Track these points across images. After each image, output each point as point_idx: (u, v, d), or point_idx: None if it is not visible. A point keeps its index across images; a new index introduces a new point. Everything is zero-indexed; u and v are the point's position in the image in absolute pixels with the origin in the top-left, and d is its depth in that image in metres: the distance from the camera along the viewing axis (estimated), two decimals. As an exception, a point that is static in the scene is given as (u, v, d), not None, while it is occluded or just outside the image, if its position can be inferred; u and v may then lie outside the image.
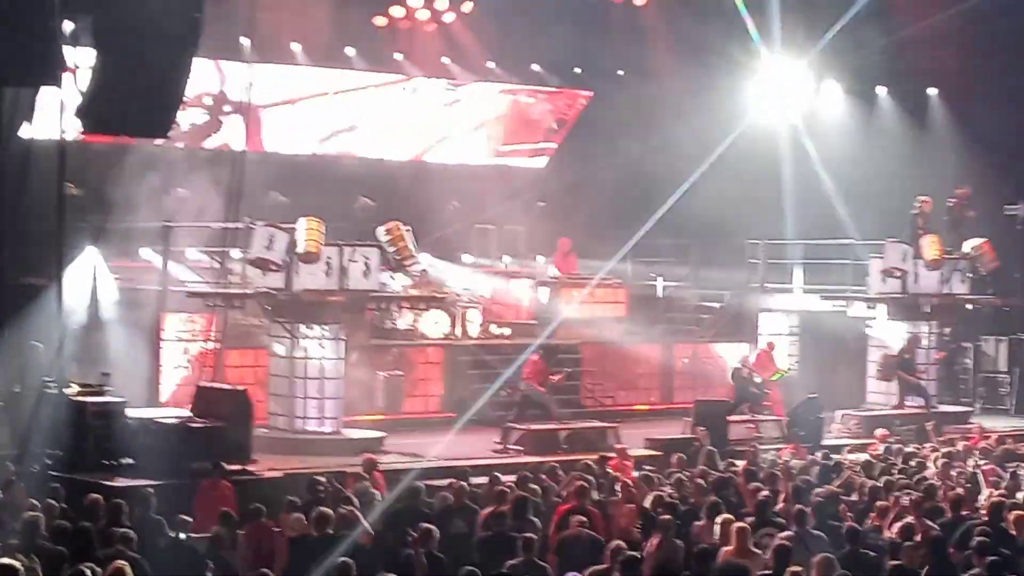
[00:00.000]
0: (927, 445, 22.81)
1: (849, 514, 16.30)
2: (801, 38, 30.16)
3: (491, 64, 32.02)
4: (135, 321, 24.15)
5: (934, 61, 31.14)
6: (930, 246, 27.70)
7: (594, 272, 29.37)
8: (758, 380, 26.35)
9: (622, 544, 13.62)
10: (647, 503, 16.55)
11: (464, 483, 16.95)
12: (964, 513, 16.19)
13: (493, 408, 24.91)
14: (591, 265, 29.88)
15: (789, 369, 28.57)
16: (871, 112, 33.29)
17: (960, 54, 30.52)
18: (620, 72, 32.88)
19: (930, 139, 32.48)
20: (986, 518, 15.78)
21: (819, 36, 29.35)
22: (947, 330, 29.43)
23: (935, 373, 28.55)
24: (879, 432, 24.09)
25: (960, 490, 17.56)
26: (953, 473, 19.51)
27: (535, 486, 17.27)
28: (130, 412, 20.52)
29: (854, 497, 17.42)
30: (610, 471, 18.85)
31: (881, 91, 33.46)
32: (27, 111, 21.35)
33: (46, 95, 21.79)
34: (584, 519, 15.10)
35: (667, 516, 15.00)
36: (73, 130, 20.58)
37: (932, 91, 33.45)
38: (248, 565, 14.57)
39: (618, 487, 17.33)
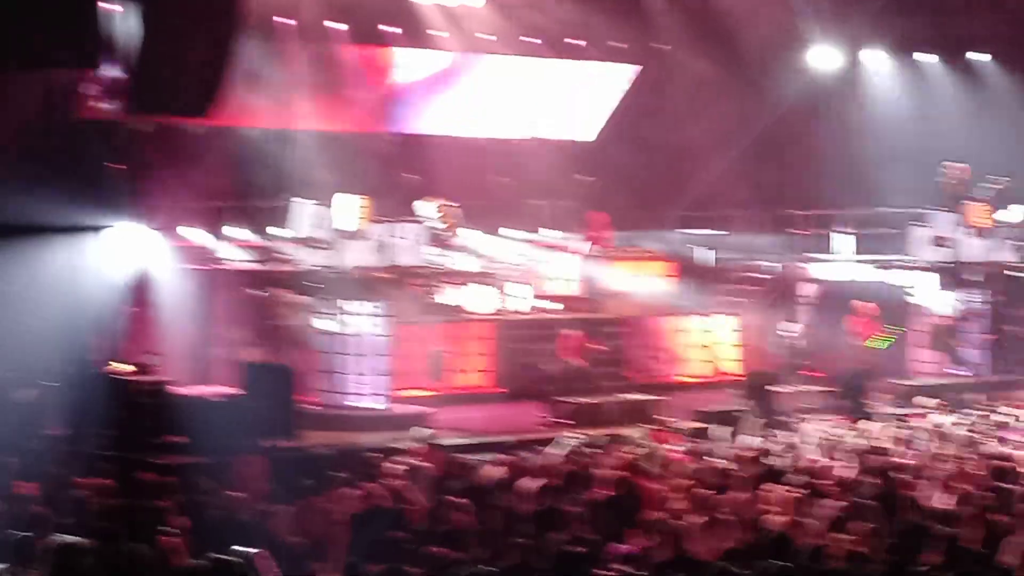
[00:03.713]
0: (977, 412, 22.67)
1: (910, 483, 16.21)
2: (846, 4, 29.95)
3: (535, 40, 31.93)
4: (184, 299, 24.31)
5: (984, 26, 30.85)
6: (978, 213, 27.50)
7: (641, 245, 29.30)
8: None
9: (652, 515, 13.64)
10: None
11: (513, 457, 16.99)
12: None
13: (541, 382, 24.93)
14: (636, 237, 29.80)
15: (891, 338, 27.90)
16: (917, 78, 33.01)
17: (1011, 19, 30.22)
18: (666, 47, 32.75)
19: (978, 106, 32.17)
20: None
21: (864, 2, 29.16)
22: (997, 299, 29.20)
23: (984, 342, 28.35)
24: (927, 401, 23.99)
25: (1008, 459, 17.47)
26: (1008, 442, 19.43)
27: (583, 459, 17.31)
28: (179, 390, 20.67)
29: (901, 463, 17.35)
30: (655, 444, 18.87)
31: (928, 57, 33.15)
32: (72, 92, 21.52)
33: (91, 76, 21.96)
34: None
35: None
36: (119, 110, 20.74)
37: (981, 57, 33.14)
38: (297, 540, 14.65)
39: (664, 460, 17.34)
